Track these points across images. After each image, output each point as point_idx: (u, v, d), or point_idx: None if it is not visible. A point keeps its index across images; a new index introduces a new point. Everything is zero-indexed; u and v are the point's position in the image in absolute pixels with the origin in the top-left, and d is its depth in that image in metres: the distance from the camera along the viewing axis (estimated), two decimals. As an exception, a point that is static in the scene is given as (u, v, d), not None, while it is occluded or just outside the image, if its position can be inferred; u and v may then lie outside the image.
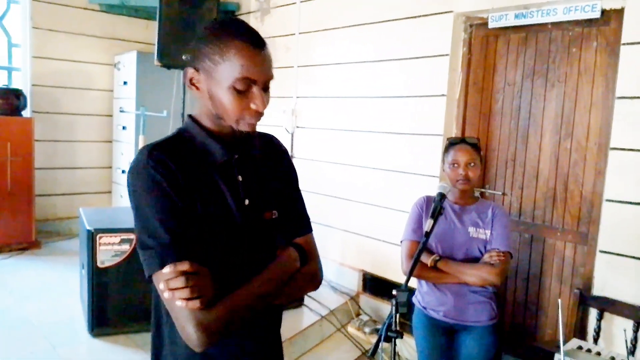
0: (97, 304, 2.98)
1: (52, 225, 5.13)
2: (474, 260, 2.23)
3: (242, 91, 1.11)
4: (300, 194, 1.40)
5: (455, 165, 2.24)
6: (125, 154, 5.18)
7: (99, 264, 2.96)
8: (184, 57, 4.35)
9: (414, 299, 2.43)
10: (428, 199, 2.39)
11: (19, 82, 5.01)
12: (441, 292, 2.29)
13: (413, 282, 2.05)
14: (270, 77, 1.16)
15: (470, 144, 2.27)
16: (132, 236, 2.99)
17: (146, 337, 2.95)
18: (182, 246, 1.07)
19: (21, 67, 5.02)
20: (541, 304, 3.05)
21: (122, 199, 5.28)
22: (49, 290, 3.72)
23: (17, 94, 4.55)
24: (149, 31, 5.40)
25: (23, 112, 4.64)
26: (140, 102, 4.82)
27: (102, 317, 3.00)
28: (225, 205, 1.18)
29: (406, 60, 3.56)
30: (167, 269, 1.04)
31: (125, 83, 5.13)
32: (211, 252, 1.13)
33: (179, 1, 4.33)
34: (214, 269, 1.10)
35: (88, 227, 2.97)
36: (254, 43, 1.12)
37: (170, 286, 1.03)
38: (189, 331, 1.07)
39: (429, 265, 2.23)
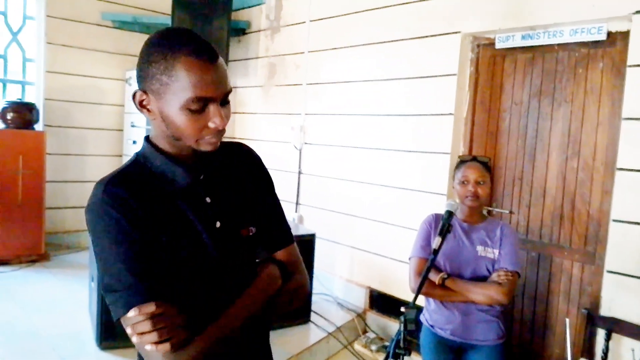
0: (106, 317, 2.99)
1: (61, 238, 5.17)
2: (482, 278, 2.24)
3: (197, 110, 1.02)
4: (278, 201, 1.32)
5: (465, 182, 2.27)
6: (135, 168, 5.22)
7: (109, 277, 2.98)
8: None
9: (421, 317, 2.43)
10: (437, 217, 2.41)
11: (32, 96, 5.09)
12: (449, 311, 2.30)
13: (421, 300, 2.06)
14: (228, 90, 1.06)
15: (481, 162, 2.30)
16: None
17: (153, 351, 2.99)
18: (147, 286, 1.01)
19: (35, 82, 5.11)
20: (548, 324, 3.04)
21: (130, 213, 5.31)
22: (57, 303, 3.75)
23: (30, 107, 4.62)
24: (161, 48, 5.49)
25: (35, 126, 4.71)
26: (150, 117, 4.88)
27: (110, 331, 3.01)
28: (194, 233, 1.10)
29: (414, 79, 3.61)
30: (132, 313, 0.98)
31: (136, 98, 5.19)
32: (184, 286, 1.07)
33: (190, 18, 4.43)
34: (188, 303, 1.05)
35: (98, 241, 2.99)
36: (204, 57, 1.00)
37: (137, 330, 0.97)
38: None
39: (437, 283, 2.24)
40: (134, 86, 4.64)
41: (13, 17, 5.03)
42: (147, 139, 1.15)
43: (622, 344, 2.59)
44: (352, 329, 3.74)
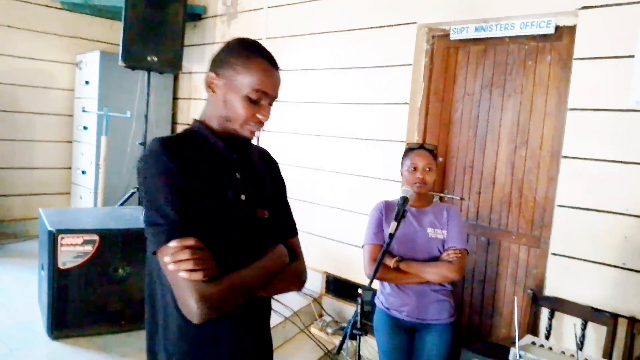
0: (57, 305, 2.93)
1: (7, 227, 4.98)
2: (434, 259, 2.34)
3: (254, 101, 1.28)
4: (288, 203, 1.56)
5: (414, 169, 2.35)
6: (86, 154, 5.09)
7: (60, 265, 2.91)
8: (149, 59, 4.34)
9: (375, 300, 2.51)
10: (387, 204, 2.49)
11: (-25, 78, 4.86)
12: (404, 293, 2.39)
13: (375, 285, 2.12)
14: (277, 96, 1.33)
15: (428, 150, 2.40)
16: (96, 237, 2.96)
17: (108, 340, 2.96)
18: (188, 224, 1.17)
19: (-23, 64, 4.88)
20: (496, 305, 3.18)
21: (81, 200, 5.18)
22: (5, 293, 3.62)
23: (-27, 91, 4.41)
24: (113, 31, 5.34)
25: (-21, 110, 4.51)
26: (102, 102, 4.75)
27: (62, 320, 2.95)
28: (224, 196, 1.29)
29: (371, 68, 3.66)
30: (173, 243, 1.14)
31: (87, 83, 5.05)
32: (210, 236, 1.21)
33: (145, 3, 4.31)
34: (212, 251, 1.19)
35: (50, 228, 2.92)
36: (273, 64, 1.32)
37: (175, 258, 1.13)
38: (190, 303, 1.14)
39: (391, 266, 2.32)
40: (85, 70, 4.49)
41: (-47, -5, 4.77)
42: (196, 120, 1.37)
43: (564, 322, 2.75)
44: (309, 313, 3.80)
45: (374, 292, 1.91)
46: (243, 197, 1.33)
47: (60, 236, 2.90)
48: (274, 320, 3.46)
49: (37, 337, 2.98)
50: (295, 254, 1.45)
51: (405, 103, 3.46)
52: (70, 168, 5.46)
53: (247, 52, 1.30)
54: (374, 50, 3.64)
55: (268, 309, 1.47)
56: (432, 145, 2.48)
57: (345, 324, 3.67)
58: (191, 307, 1.14)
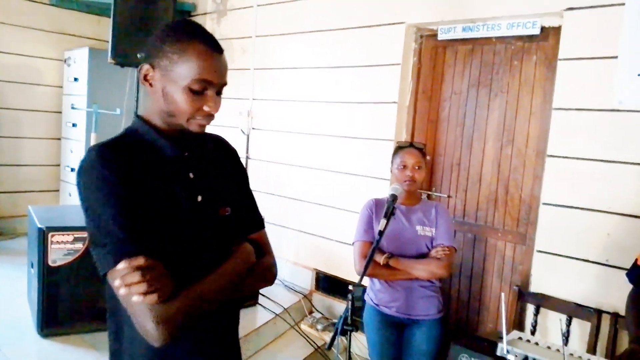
0: (47, 303, 2.93)
1: (-8, 224, 4.95)
2: (423, 256, 2.39)
3: (197, 92, 1.14)
4: (252, 193, 1.43)
5: (403, 167, 2.40)
6: (75, 151, 5.07)
7: (50, 263, 2.92)
8: (138, 56, 4.31)
9: (365, 297, 2.55)
10: (377, 201, 2.53)
11: (-40, 74, 4.82)
12: (393, 289, 2.43)
13: (364, 282, 2.16)
14: (225, 82, 1.19)
15: (418, 149, 2.45)
16: (86, 234, 2.96)
17: (98, 337, 2.96)
18: (136, 241, 1.07)
19: (-37, 59, 4.83)
20: (483, 300, 3.24)
21: (70, 198, 5.16)
22: (-7, 291, 3.61)
23: (-40, 87, 4.37)
24: (101, 27, 5.32)
25: (-35, 107, 4.47)
26: (91, 99, 4.74)
27: (52, 317, 2.96)
28: (176, 202, 1.18)
29: (360, 67, 3.70)
30: (121, 265, 1.03)
31: (76, 79, 5.02)
32: (165, 250, 1.11)
33: (134, -1, 4.29)
34: (168, 266, 1.09)
35: (39, 225, 2.92)
36: (213, 47, 1.15)
37: (126, 282, 1.01)
38: (148, 327, 1.06)
39: (381, 263, 2.36)
40: (73, 67, 4.47)
41: (-62, -10, 4.72)
42: (138, 116, 1.25)
43: (549, 318, 2.81)
44: (299, 309, 3.83)
45: (364, 288, 1.94)
46: (200, 197, 1.22)
47: (50, 233, 2.91)
48: (265, 317, 3.50)
49: (26, 334, 2.98)
50: (263, 248, 1.35)
51: (394, 102, 3.50)
52: (59, 165, 5.43)
53: (182, 36, 1.13)
54: (363, 49, 3.67)
55: (236, 315, 1.39)
56: (421, 144, 2.53)
57: (335, 320, 3.72)
58: (150, 331, 1.05)
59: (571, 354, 1.72)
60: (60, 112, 5.35)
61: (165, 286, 1.06)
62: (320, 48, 3.97)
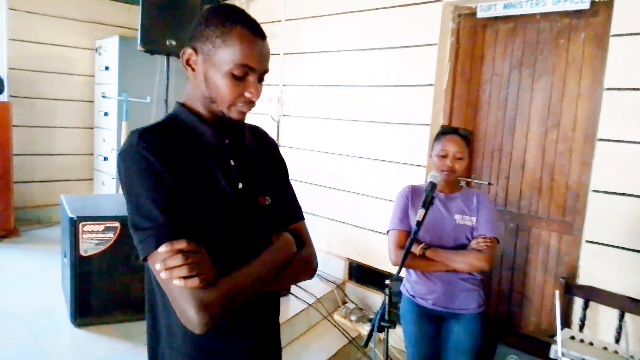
0: (80, 293, 2.92)
1: (31, 213, 5.02)
2: (462, 247, 2.25)
3: (238, 77, 1.11)
4: (291, 185, 1.40)
5: (444, 155, 2.25)
6: (107, 140, 5.08)
7: (82, 253, 2.90)
8: (167, 43, 4.27)
9: (401, 288, 2.43)
10: (413, 189, 2.40)
11: (-5, 65, 4.86)
12: (430, 281, 2.31)
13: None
14: (267, 69, 1.17)
15: (462, 136, 2.28)
16: (117, 224, 2.94)
17: (130, 327, 2.94)
18: (178, 225, 1.05)
19: (-2, 50, 4.87)
20: (526, 294, 3.08)
21: (104, 187, 5.19)
22: (29, 280, 3.64)
23: (-6, 77, 4.41)
24: (132, 15, 5.29)
25: (0, 96, 4.50)
26: (122, 87, 4.73)
27: (85, 307, 2.95)
28: (218, 187, 1.16)
29: (394, 49, 3.54)
30: (163, 248, 1.02)
31: (107, 68, 5.02)
32: (206, 234, 1.09)
33: (163, -14, 4.23)
34: (209, 252, 1.07)
35: (71, 215, 2.90)
36: (256, 32, 1.12)
37: (167, 265, 1.00)
38: (189, 312, 1.02)
39: (417, 254, 2.24)
40: (104, 55, 4.44)
41: (-28, -19, 4.75)
42: (179, 103, 1.23)
43: (600, 312, 2.64)
44: (332, 300, 3.75)
45: (401, 281, 1.82)
46: (240, 185, 1.20)
47: (81, 223, 2.88)
48: (297, 307, 3.43)
49: (60, 324, 2.98)
50: (303, 239, 1.31)
51: (430, 84, 3.34)
52: (92, 154, 5.46)
53: (225, 21, 1.10)
54: (398, 30, 3.52)
55: (277, 303, 1.36)
56: (466, 130, 2.34)
57: (367, 311, 3.62)
58: (191, 317, 1.02)
59: (632, 357, 1.57)
60: (93, 101, 5.36)
61: (208, 271, 1.04)
62: (352, 30, 3.83)
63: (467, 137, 2.29)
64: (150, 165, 1.07)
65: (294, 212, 1.36)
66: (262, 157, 1.32)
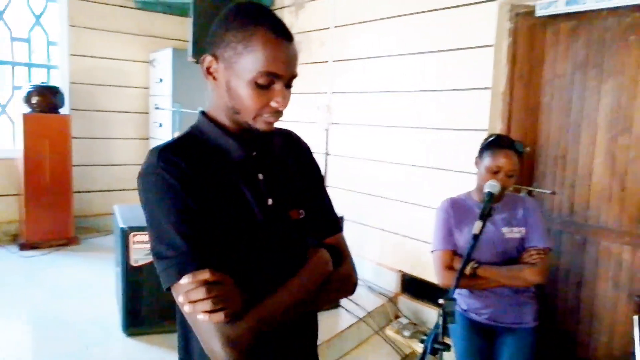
0: (131, 303, 2.94)
1: (90, 222, 5.17)
2: (512, 261, 2.12)
3: (263, 86, 1.02)
4: (327, 192, 1.30)
5: (495, 171, 2.09)
6: (161, 151, 5.16)
7: (133, 263, 2.92)
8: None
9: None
10: (453, 202, 2.28)
11: (57, 79, 5.05)
12: (483, 295, 2.19)
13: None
14: (295, 74, 1.07)
15: (518, 152, 2.11)
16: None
17: (180, 338, 2.93)
18: (201, 253, 0.97)
19: (59, 65, 5.06)
20: (594, 310, 2.85)
21: (157, 196, 5.27)
22: (85, 288, 3.72)
23: (55, 91, 4.57)
24: (185, 27, 5.37)
25: (61, 110, 4.67)
26: (175, 98, 4.80)
27: (136, 317, 2.96)
28: (246, 206, 1.08)
29: (447, 52, 3.39)
30: (185, 280, 0.95)
31: (160, 80, 5.12)
32: (234, 258, 1.02)
33: (212, -4, 4.27)
34: (238, 277, 0.99)
35: (122, 225, 2.93)
36: (281, 35, 1.02)
37: (190, 298, 0.93)
38: (215, 348, 0.95)
39: (467, 273, 2.09)
40: (159, 68, 4.51)
41: (35, 0, 4.97)
42: (202, 112, 1.15)
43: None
44: (384, 314, 3.61)
45: (456, 302, 1.69)
46: (270, 201, 1.11)
47: (132, 233, 2.90)
48: (347, 320, 3.32)
49: (112, 333, 3.01)
50: (341, 254, 1.21)
51: (487, 88, 3.17)
52: (147, 164, 5.57)
53: (247, 23, 1.00)
54: (450, 32, 3.37)
55: (314, 325, 1.26)
56: (521, 144, 2.17)
57: (421, 327, 3.46)
58: (217, 354, 0.95)
59: None
60: (148, 113, 5.49)
61: (234, 304, 0.96)
62: (402, 34, 3.71)
63: (522, 153, 2.14)
64: (170, 187, 1.00)
65: (331, 224, 1.26)
66: (294, 165, 1.22)
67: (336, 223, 1.27)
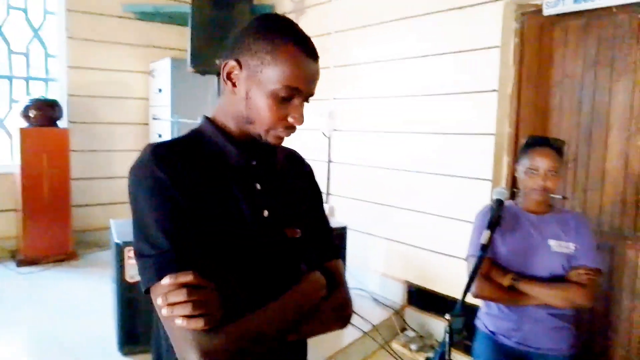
0: (126, 320, 2.83)
1: (89, 236, 5.07)
2: (556, 278, 1.93)
3: (283, 99, 1.00)
4: (327, 217, 1.25)
5: (534, 171, 1.95)
6: (161, 162, 5.08)
7: (128, 278, 2.81)
8: (217, 63, 4.22)
9: (477, 322, 2.15)
10: None
11: (56, 92, 4.99)
12: (517, 316, 2.00)
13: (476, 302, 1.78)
14: (313, 93, 1.06)
15: (555, 148, 1.97)
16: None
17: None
18: (185, 254, 0.91)
19: (57, 78, 5.00)
20: (611, 320, 2.71)
21: (158, 209, 5.18)
22: (83, 305, 3.62)
23: (53, 104, 4.50)
24: (184, 37, 5.31)
25: (59, 123, 4.59)
26: (175, 109, 4.72)
27: (132, 335, 2.85)
28: (239, 213, 1.01)
29: (452, 54, 3.29)
30: (165, 280, 0.89)
31: (160, 90, 5.04)
32: (219, 268, 0.95)
33: (210, 5, 4.21)
34: (222, 286, 0.93)
35: (116, 240, 2.84)
36: (309, 53, 1.02)
37: (169, 300, 0.87)
38: (188, 357, 0.88)
39: (505, 284, 1.94)
40: (158, 78, 4.43)
41: (33, 13, 4.92)
42: (206, 117, 1.11)
43: None
44: (390, 327, 3.48)
45: (467, 316, 1.55)
46: (265, 213, 1.05)
47: (127, 248, 2.80)
48: (352, 335, 3.19)
49: (109, 352, 2.89)
50: (337, 280, 1.14)
51: (494, 90, 3.05)
52: (148, 176, 5.49)
53: (278, 36, 0.99)
54: (455, 34, 3.26)
55: (303, 353, 1.18)
56: (560, 140, 2.03)
57: (429, 340, 3.33)
58: None
59: None
60: (148, 124, 5.41)
61: (215, 311, 0.90)
62: (404, 37, 3.61)
63: (561, 149, 1.99)
64: (160, 182, 0.94)
65: (329, 249, 1.19)
66: (295, 184, 1.17)
67: (335, 248, 1.21)
